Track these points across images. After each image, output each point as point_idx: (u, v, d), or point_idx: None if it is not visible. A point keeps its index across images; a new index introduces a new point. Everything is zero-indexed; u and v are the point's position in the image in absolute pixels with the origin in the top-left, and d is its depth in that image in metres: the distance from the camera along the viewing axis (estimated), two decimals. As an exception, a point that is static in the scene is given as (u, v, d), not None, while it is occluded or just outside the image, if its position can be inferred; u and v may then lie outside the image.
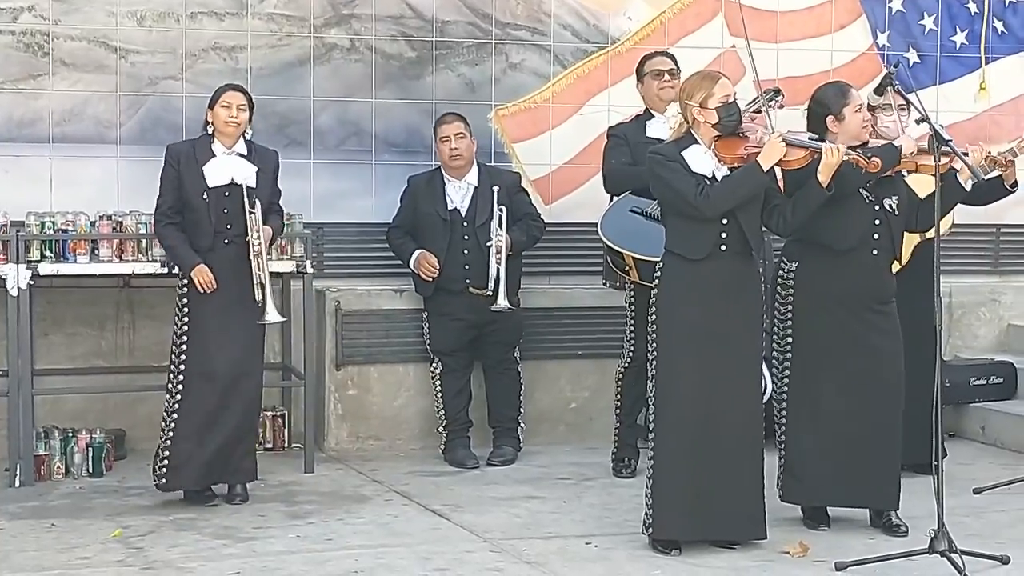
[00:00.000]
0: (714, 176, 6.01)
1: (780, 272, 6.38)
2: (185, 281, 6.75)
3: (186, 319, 6.73)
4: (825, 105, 6.28)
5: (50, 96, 7.85)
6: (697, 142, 6.03)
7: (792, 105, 7.41)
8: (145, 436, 7.69)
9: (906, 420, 6.37)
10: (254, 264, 6.69)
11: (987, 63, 9.30)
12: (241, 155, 6.80)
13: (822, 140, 6.16)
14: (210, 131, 6.80)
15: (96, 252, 7.28)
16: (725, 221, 5.96)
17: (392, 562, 5.89)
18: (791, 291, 6.33)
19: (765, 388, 7.90)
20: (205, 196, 6.71)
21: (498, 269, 7.61)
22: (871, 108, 7.18)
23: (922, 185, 6.42)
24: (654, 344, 6.07)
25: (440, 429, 7.91)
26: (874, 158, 6.02)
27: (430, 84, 8.40)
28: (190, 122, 7.71)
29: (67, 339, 7.89)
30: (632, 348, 7.36)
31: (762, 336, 6.22)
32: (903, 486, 6.38)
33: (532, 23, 8.57)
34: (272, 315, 6.71)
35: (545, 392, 8.34)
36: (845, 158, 5.98)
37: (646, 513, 6.05)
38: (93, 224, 7.28)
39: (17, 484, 7.11)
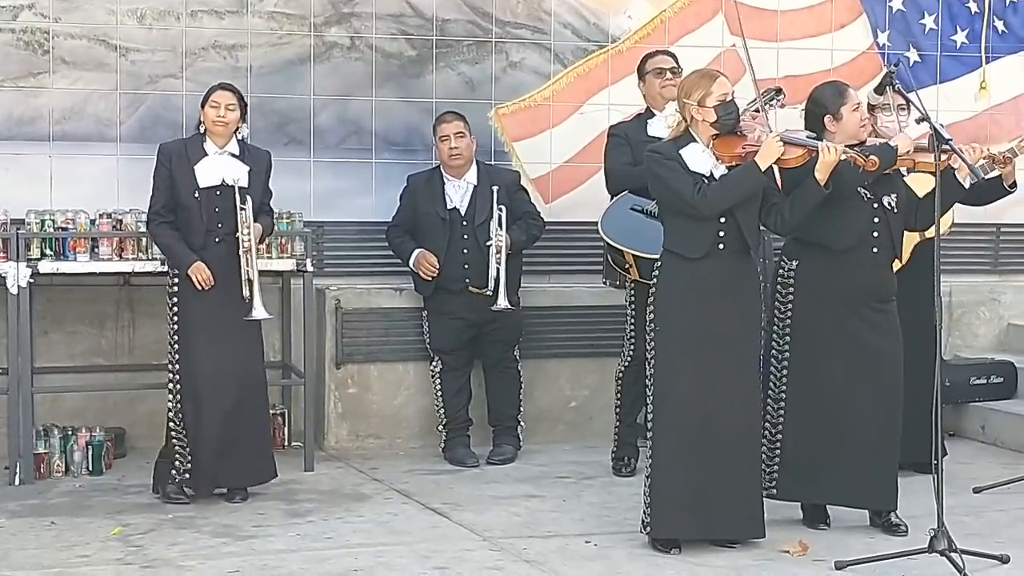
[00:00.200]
0: (712, 175, 6.01)
1: (780, 271, 6.38)
2: (175, 280, 6.75)
3: (176, 318, 6.74)
4: (823, 104, 6.29)
5: (50, 94, 7.85)
6: (695, 140, 6.03)
7: (792, 104, 7.40)
8: (145, 434, 7.71)
9: (906, 419, 6.37)
10: (243, 260, 6.69)
11: (987, 62, 9.30)
12: (233, 155, 6.80)
13: (820, 139, 6.16)
14: (202, 130, 6.80)
15: (96, 250, 7.28)
16: (723, 220, 5.96)
17: (392, 560, 5.89)
18: (791, 290, 6.33)
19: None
20: (197, 195, 6.71)
21: (498, 269, 7.61)
22: (871, 107, 7.19)
23: (921, 184, 6.43)
24: (652, 343, 6.07)
25: (440, 428, 7.91)
26: (872, 156, 6.02)
27: (430, 83, 8.40)
28: (190, 120, 7.69)
29: (67, 337, 7.89)
30: (632, 347, 7.36)
31: (760, 335, 6.22)
32: (903, 485, 6.38)
33: (532, 21, 8.57)
34: (259, 311, 6.71)
35: (545, 391, 8.34)
36: (843, 157, 5.98)
37: (644, 512, 6.04)
38: (93, 222, 7.29)
39: (17, 482, 7.12)
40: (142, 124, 7.89)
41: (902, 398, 6.31)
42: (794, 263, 6.33)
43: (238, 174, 6.76)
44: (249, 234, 6.69)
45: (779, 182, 6.24)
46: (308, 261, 7.52)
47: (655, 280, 6.11)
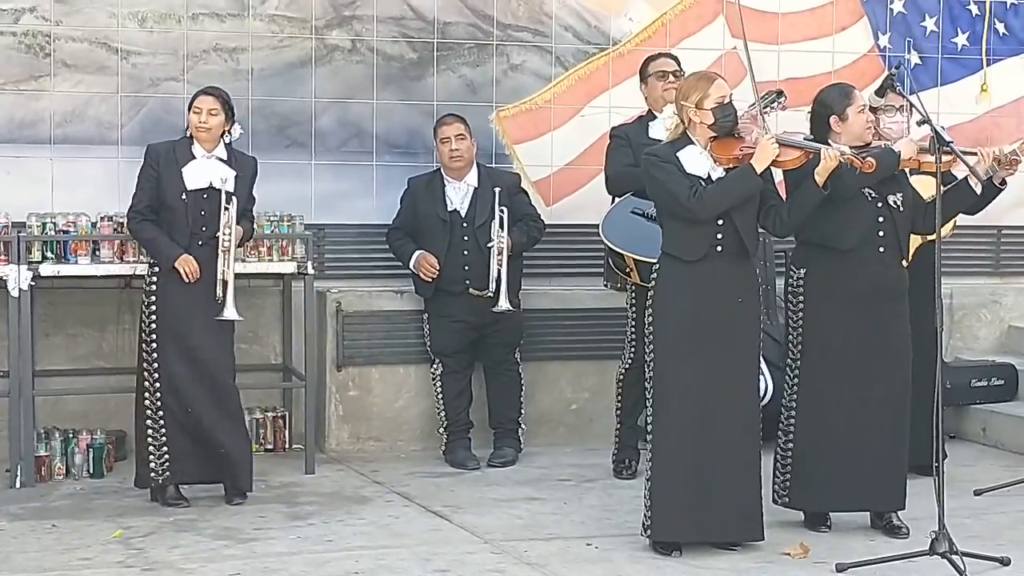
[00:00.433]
0: (709, 177, 6.00)
1: (789, 280, 6.38)
2: (154, 279, 6.73)
3: (154, 317, 6.73)
4: (828, 106, 6.29)
5: (51, 97, 7.85)
6: (693, 143, 6.03)
7: (794, 106, 7.40)
8: (146, 437, 7.70)
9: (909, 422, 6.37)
10: (220, 260, 6.68)
11: (988, 65, 9.30)
12: (220, 159, 6.79)
13: (819, 141, 6.15)
14: (188, 134, 6.80)
15: (97, 253, 7.28)
16: (720, 222, 5.96)
17: (392, 563, 5.89)
18: (801, 298, 6.32)
19: (766, 391, 7.95)
20: (184, 197, 6.71)
21: (499, 270, 7.61)
22: (872, 110, 7.18)
23: (926, 186, 6.42)
24: (651, 346, 6.07)
25: (441, 430, 7.91)
26: (868, 158, 6.02)
27: (431, 85, 8.40)
28: (191, 123, 7.71)
29: (68, 340, 7.89)
30: (633, 349, 7.36)
31: (759, 337, 6.22)
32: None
33: (533, 24, 8.57)
34: (230, 312, 6.69)
35: (546, 393, 8.34)
36: (840, 158, 5.97)
37: (645, 515, 6.04)
38: (94, 225, 7.28)
39: (18, 485, 7.12)
40: (143, 127, 7.89)
41: (910, 399, 6.31)
42: (802, 271, 6.32)
43: (225, 176, 6.75)
44: (230, 235, 6.68)
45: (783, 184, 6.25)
46: (309, 264, 7.53)
47: (653, 283, 6.10)
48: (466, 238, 7.76)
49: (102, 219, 7.28)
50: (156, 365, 6.75)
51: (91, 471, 7.41)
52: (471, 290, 7.71)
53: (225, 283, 6.68)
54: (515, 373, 7.99)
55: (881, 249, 6.26)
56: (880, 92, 7.31)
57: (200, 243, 6.72)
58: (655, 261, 6.19)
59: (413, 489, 7.24)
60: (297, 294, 7.83)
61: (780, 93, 7.37)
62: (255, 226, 7.16)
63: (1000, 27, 9.32)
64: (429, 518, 6.69)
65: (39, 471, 7.28)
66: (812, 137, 6.22)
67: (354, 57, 8.31)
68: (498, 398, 7.97)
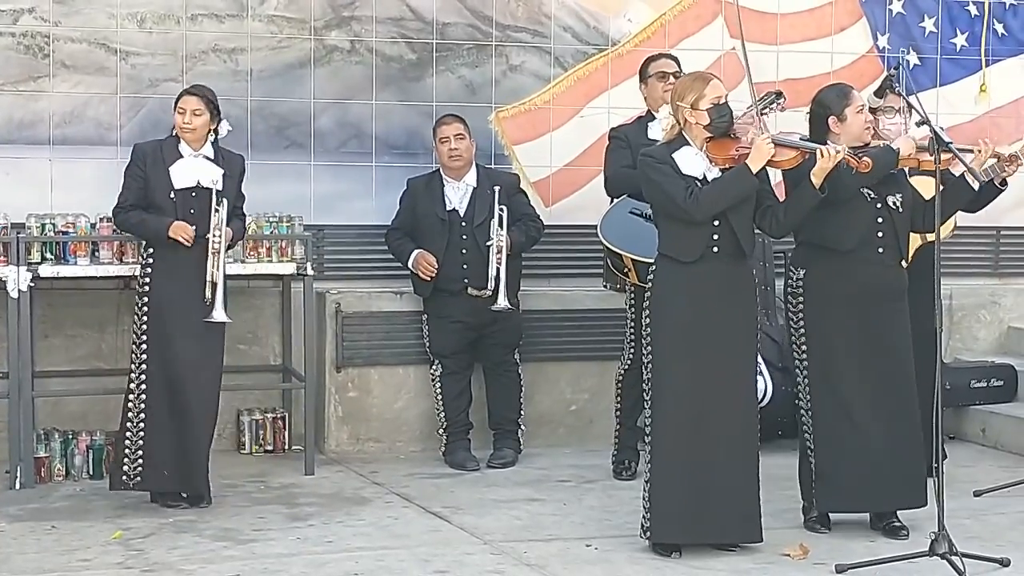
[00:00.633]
0: (705, 178, 5.99)
1: (788, 281, 6.38)
2: (146, 280, 6.72)
3: (145, 318, 6.72)
4: (827, 106, 6.29)
5: (50, 98, 7.85)
6: (688, 143, 6.02)
7: (793, 107, 7.41)
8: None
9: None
10: (209, 262, 6.66)
11: (987, 65, 9.30)
12: (208, 158, 6.79)
13: (817, 142, 6.14)
14: (174, 133, 6.80)
15: (96, 254, 7.28)
16: (716, 223, 5.95)
17: (392, 564, 5.89)
18: (801, 298, 6.32)
19: (765, 392, 7.96)
20: (172, 196, 6.70)
21: (498, 269, 7.61)
22: (872, 110, 7.18)
23: (927, 187, 6.42)
24: (648, 348, 6.06)
25: (440, 431, 7.91)
26: (865, 158, 6.02)
27: (430, 86, 8.40)
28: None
29: (67, 341, 7.89)
30: (632, 350, 7.36)
31: (757, 338, 6.22)
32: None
33: (532, 25, 8.57)
34: (219, 314, 6.67)
35: (545, 394, 8.33)
36: (837, 157, 5.96)
37: (644, 517, 6.04)
38: (93, 226, 7.27)
39: (17, 486, 7.11)
40: (142, 128, 7.88)
41: (916, 396, 6.30)
42: (802, 272, 6.32)
43: (213, 177, 6.74)
44: (220, 237, 6.67)
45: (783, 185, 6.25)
46: (308, 264, 7.53)
47: (650, 284, 6.10)
48: (464, 237, 7.77)
49: (101, 220, 7.27)
50: (144, 367, 6.73)
51: (91, 472, 7.41)
52: (470, 289, 7.71)
53: (214, 285, 6.66)
54: (514, 374, 7.99)
55: (880, 250, 6.27)
56: (879, 93, 7.31)
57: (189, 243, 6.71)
58: (653, 262, 6.19)
59: (413, 490, 7.24)
60: (296, 295, 7.83)
61: (779, 94, 7.39)
62: (246, 224, 7.13)
63: (999, 28, 9.33)
64: (429, 519, 6.69)
65: (39, 472, 7.28)
66: (808, 137, 6.21)
67: (353, 58, 8.31)
68: (498, 399, 7.97)
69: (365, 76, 8.32)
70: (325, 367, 8.06)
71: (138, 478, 6.74)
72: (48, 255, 7.21)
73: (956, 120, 9.02)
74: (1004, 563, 5.83)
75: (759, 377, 7.96)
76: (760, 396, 7.92)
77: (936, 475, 5.79)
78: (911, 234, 6.52)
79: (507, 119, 8.54)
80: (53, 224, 7.25)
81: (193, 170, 6.75)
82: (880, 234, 6.26)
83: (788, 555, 6.02)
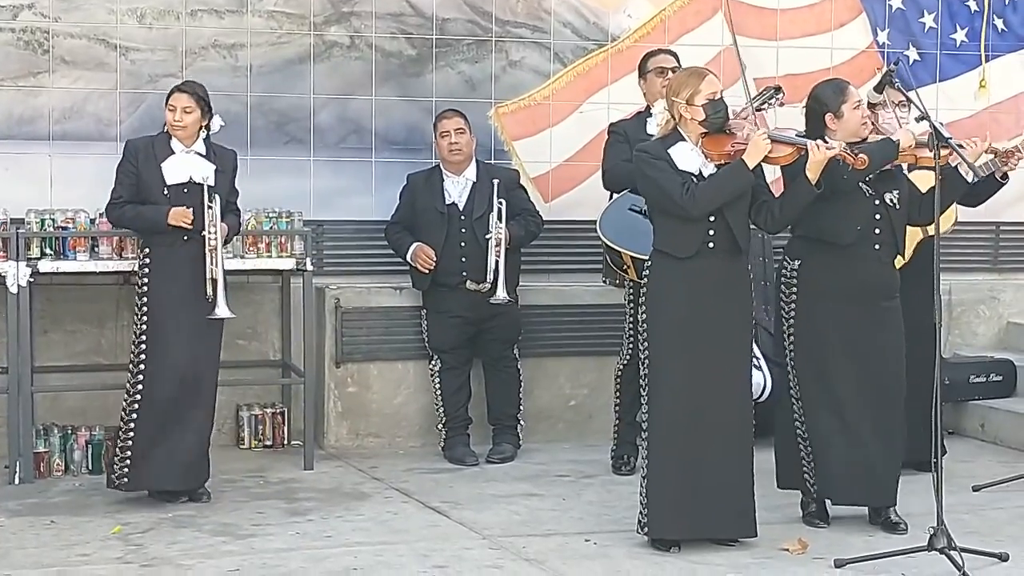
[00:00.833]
0: (701, 173, 5.98)
1: (783, 271, 6.38)
2: (145, 279, 6.72)
3: (145, 316, 6.72)
4: (823, 103, 6.28)
5: (50, 93, 7.85)
6: (684, 139, 6.02)
7: (792, 102, 7.40)
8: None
9: (906, 418, 6.37)
10: (208, 259, 6.66)
11: (987, 61, 9.30)
12: (200, 154, 6.78)
13: (814, 138, 6.14)
14: (166, 129, 6.80)
15: (96, 249, 7.28)
16: (712, 219, 5.95)
17: (391, 559, 5.90)
18: (794, 289, 6.33)
19: (764, 387, 7.95)
20: (166, 192, 6.70)
21: (497, 261, 7.61)
22: (871, 106, 7.18)
23: (924, 180, 6.42)
24: (644, 344, 6.05)
25: (439, 426, 7.91)
26: (860, 155, 6.02)
27: (430, 82, 8.40)
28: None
29: (67, 336, 7.89)
30: (631, 345, 7.36)
31: (752, 333, 6.22)
32: (902, 484, 6.38)
33: (532, 20, 8.57)
34: (222, 310, 6.68)
35: (544, 389, 8.34)
36: (830, 153, 5.96)
37: (641, 512, 6.04)
38: (93, 221, 7.28)
39: (17, 481, 7.12)
40: (142, 123, 7.87)
41: (903, 395, 6.31)
42: (796, 263, 6.33)
43: (205, 172, 6.74)
44: (215, 233, 6.67)
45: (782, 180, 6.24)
46: (308, 260, 7.53)
47: (645, 279, 6.09)
48: (464, 230, 7.77)
49: (101, 215, 7.27)
50: (142, 367, 6.73)
51: (90, 467, 7.42)
52: (468, 283, 7.72)
53: (215, 282, 6.66)
54: (514, 369, 7.99)
55: (877, 246, 6.27)
56: (879, 88, 7.31)
57: (185, 238, 6.70)
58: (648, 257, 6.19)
59: (412, 485, 7.24)
60: (296, 290, 7.83)
61: (778, 89, 7.40)
62: (241, 219, 7.11)
63: (999, 23, 9.32)
64: (428, 514, 6.70)
65: (38, 467, 7.28)
66: (804, 133, 6.21)
67: (353, 53, 8.31)
68: (497, 394, 7.97)
69: (365, 72, 8.32)
70: (324, 362, 8.06)
71: (125, 479, 6.73)
72: (48, 250, 7.22)
73: (955, 116, 9.01)
74: (1003, 558, 5.83)
75: (758, 372, 7.98)
76: (759, 391, 7.96)
77: (935, 470, 5.79)
78: (911, 228, 6.53)
79: (507, 115, 8.54)
80: (53, 219, 7.25)
81: (185, 166, 6.74)
82: (877, 231, 6.26)
83: (787, 550, 6.03)
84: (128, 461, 6.71)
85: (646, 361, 6.05)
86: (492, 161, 8.22)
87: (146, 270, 6.76)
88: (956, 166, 6.22)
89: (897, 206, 6.28)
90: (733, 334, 6.03)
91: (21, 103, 7.82)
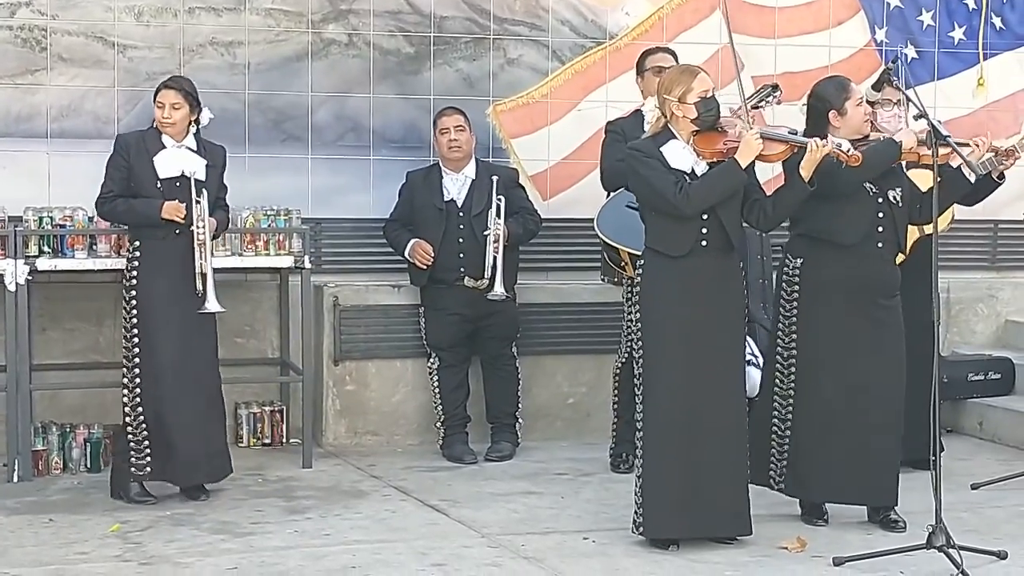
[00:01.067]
0: (693, 171, 5.97)
1: (784, 269, 6.37)
2: (134, 274, 6.71)
3: (135, 311, 6.71)
4: (826, 100, 6.28)
5: (48, 91, 7.85)
6: (675, 137, 6.00)
7: (790, 100, 7.40)
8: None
9: (904, 416, 6.37)
10: (197, 253, 6.66)
11: (985, 59, 9.30)
12: (190, 149, 6.77)
13: (816, 136, 6.14)
14: (155, 126, 6.80)
15: (94, 247, 7.28)
16: (705, 217, 5.93)
17: (389, 557, 5.89)
18: (796, 288, 6.32)
19: (762, 386, 7.94)
20: (159, 186, 6.69)
21: (495, 257, 7.61)
22: (869, 104, 7.18)
23: (924, 179, 6.42)
24: (639, 343, 6.04)
25: (438, 424, 7.91)
26: (854, 152, 6.02)
27: (428, 79, 8.40)
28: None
29: (65, 334, 7.89)
30: (629, 343, 7.35)
31: (745, 331, 6.22)
32: (901, 482, 6.37)
33: (530, 18, 8.57)
34: (212, 305, 6.67)
35: (543, 387, 8.34)
36: (824, 151, 5.95)
37: (636, 512, 6.03)
38: (91, 219, 7.27)
39: (15, 479, 7.12)
40: (140, 121, 7.85)
41: (903, 394, 6.31)
42: (798, 261, 6.32)
43: (196, 167, 6.73)
44: (204, 228, 6.66)
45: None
46: (306, 258, 7.53)
47: (639, 279, 6.08)
48: (462, 227, 7.78)
49: (99, 213, 7.28)
50: (137, 360, 6.72)
51: (88, 465, 7.41)
52: (466, 279, 7.72)
53: (204, 276, 6.66)
54: (512, 367, 7.99)
55: (880, 244, 6.27)
56: (877, 86, 7.31)
57: (177, 232, 6.69)
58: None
59: (410, 483, 7.24)
60: (294, 288, 7.83)
61: (775, 87, 7.39)
62: (229, 215, 7.09)
63: (997, 21, 9.32)
64: (426, 512, 6.70)
65: (36, 465, 7.28)
66: (796, 131, 6.20)
67: (351, 51, 8.31)
68: (495, 392, 7.97)
69: (363, 69, 8.32)
70: (323, 360, 8.06)
71: (148, 468, 6.72)
72: (46, 248, 7.22)
73: (954, 114, 9.02)
74: (1001, 556, 5.83)
75: (757, 371, 7.98)
76: (757, 390, 7.96)
77: (933, 468, 5.80)
78: (909, 226, 6.52)
79: (505, 112, 8.53)
80: (51, 217, 7.25)
81: (177, 160, 6.74)
82: (880, 228, 6.26)
83: (786, 548, 6.02)
84: (148, 452, 6.69)
85: (640, 360, 6.04)
86: (490, 159, 8.22)
87: (135, 263, 6.74)
88: (959, 167, 6.22)
89: (900, 204, 6.28)
90: (727, 332, 6.03)
91: (19, 101, 7.82)
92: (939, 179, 5.99)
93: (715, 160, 5.98)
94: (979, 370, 8.60)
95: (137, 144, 6.78)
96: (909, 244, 6.76)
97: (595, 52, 8.66)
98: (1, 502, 6.73)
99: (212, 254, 6.73)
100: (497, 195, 7.70)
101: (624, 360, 7.43)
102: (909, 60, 9.06)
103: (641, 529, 6.01)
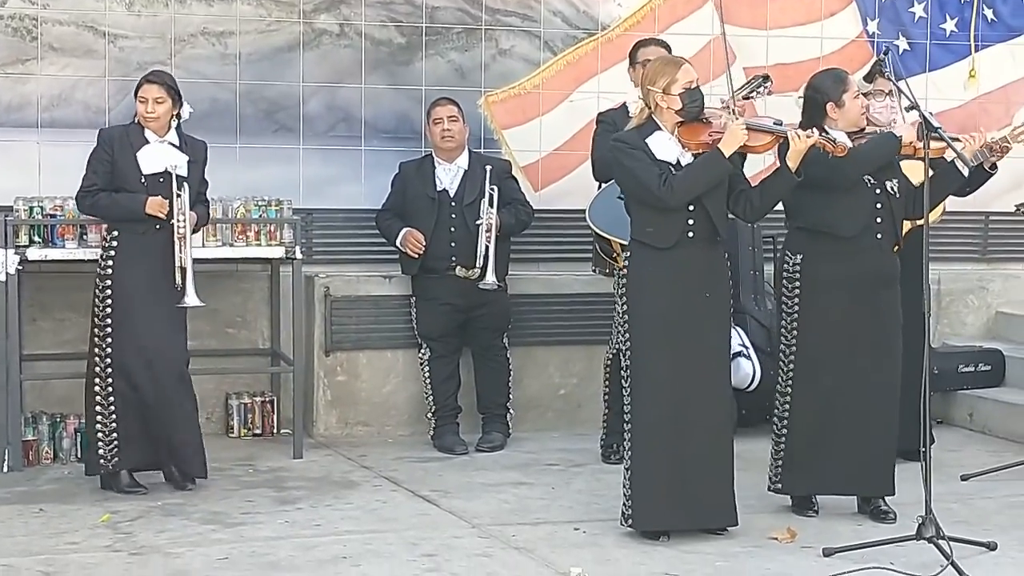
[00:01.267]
0: (679, 162, 5.95)
1: (784, 266, 6.36)
2: (109, 263, 6.68)
3: (109, 301, 6.67)
4: (824, 92, 6.28)
5: (38, 81, 7.83)
6: (660, 128, 5.99)
7: (781, 92, 7.40)
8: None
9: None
10: (176, 247, 6.63)
11: (977, 51, 9.30)
12: (172, 144, 6.75)
13: (813, 127, 6.13)
14: (137, 121, 6.78)
15: (84, 237, 7.26)
16: (692, 208, 5.92)
17: (380, 548, 5.89)
18: (797, 284, 6.30)
19: (754, 376, 7.96)
20: (143, 181, 6.67)
21: (487, 247, 7.61)
22: (862, 95, 7.17)
23: (916, 172, 6.42)
24: (626, 335, 6.03)
25: (429, 415, 7.91)
26: (840, 142, 6.02)
27: (420, 70, 8.39)
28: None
29: (55, 324, 7.87)
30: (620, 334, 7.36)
31: (731, 322, 6.22)
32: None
33: (522, 9, 8.56)
34: (191, 299, 6.64)
35: (534, 378, 8.34)
36: (810, 141, 5.95)
37: (625, 504, 6.02)
38: (81, 209, 7.26)
39: (5, 469, 7.12)
40: (130, 111, 7.73)
41: (899, 385, 6.32)
42: (798, 257, 6.31)
43: (178, 162, 6.71)
44: (184, 222, 6.65)
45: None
46: (297, 248, 7.52)
47: (625, 270, 6.06)
48: (454, 216, 7.78)
49: (90, 203, 7.26)
50: (109, 351, 6.69)
51: (78, 455, 7.39)
52: (458, 269, 7.71)
53: (184, 270, 6.64)
54: (503, 358, 7.99)
55: (879, 236, 6.27)
56: (868, 78, 7.30)
57: (158, 227, 6.66)
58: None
59: (401, 474, 7.24)
60: (285, 279, 7.82)
61: (766, 78, 7.39)
62: (209, 210, 7.07)
63: (988, 13, 9.32)
64: (417, 503, 6.70)
65: (26, 455, 7.27)
66: (780, 121, 6.19)
67: (342, 41, 8.29)
68: (486, 383, 7.97)
69: (354, 60, 8.31)
70: (314, 351, 8.06)
71: (116, 459, 6.70)
72: (36, 238, 7.21)
73: (945, 106, 9.02)
74: (991, 547, 5.84)
75: (748, 362, 8.00)
76: (748, 381, 7.98)
77: (923, 459, 5.80)
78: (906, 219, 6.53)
79: (496, 103, 8.52)
80: (41, 207, 7.24)
81: (160, 155, 6.71)
82: (879, 220, 6.26)
83: (776, 539, 6.03)
84: (116, 442, 6.67)
85: (627, 353, 6.03)
86: (482, 150, 8.21)
87: (112, 253, 6.70)
88: (952, 160, 6.22)
89: (897, 195, 6.28)
90: (714, 323, 6.02)
91: (9, 90, 7.80)
92: (932, 173, 5.99)
93: (700, 151, 5.97)
94: (969, 362, 8.61)
95: (121, 139, 6.76)
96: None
97: (587, 43, 8.65)
98: (-9, 492, 6.74)
99: (192, 248, 6.71)
100: (490, 185, 7.70)
101: (615, 351, 7.43)
102: (901, 52, 9.06)
103: (631, 521, 6.01)
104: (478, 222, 7.67)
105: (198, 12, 8.04)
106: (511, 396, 8.02)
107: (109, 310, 6.68)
